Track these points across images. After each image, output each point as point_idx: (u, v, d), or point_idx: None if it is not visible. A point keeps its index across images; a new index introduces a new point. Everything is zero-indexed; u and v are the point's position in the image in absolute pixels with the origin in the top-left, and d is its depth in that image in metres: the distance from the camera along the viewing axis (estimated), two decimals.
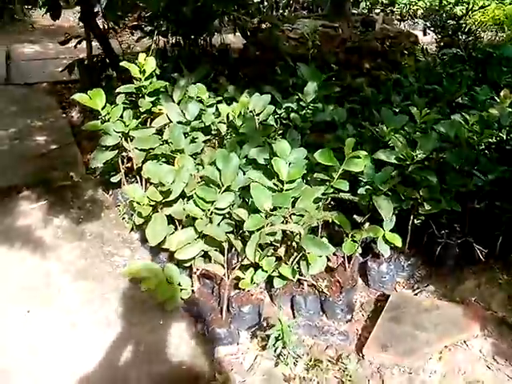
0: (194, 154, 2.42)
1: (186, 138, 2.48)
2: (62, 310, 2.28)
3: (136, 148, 2.64)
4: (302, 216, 2.19)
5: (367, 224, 2.42)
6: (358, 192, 2.16)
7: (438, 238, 2.72)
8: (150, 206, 2.08)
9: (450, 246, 2.71)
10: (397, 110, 3.00)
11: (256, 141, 2.49)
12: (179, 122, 2.58)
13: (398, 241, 2.37)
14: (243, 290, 2.28)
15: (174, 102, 2.98)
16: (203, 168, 2.35)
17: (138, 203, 2.07)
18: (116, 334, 2.17)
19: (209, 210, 2.14)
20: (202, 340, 2.19)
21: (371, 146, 2.58)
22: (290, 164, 2.23)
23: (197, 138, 2.51)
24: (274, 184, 2.18)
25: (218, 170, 2.21)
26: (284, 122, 3.05)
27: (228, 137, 2.54)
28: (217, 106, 2.68)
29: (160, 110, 2.91)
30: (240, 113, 2.52)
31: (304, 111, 2.95)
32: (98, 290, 2.41)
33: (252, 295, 2.35)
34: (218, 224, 2.19)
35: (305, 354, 2.14)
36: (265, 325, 2.36)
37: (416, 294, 2.55)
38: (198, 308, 2.29)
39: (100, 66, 4.10)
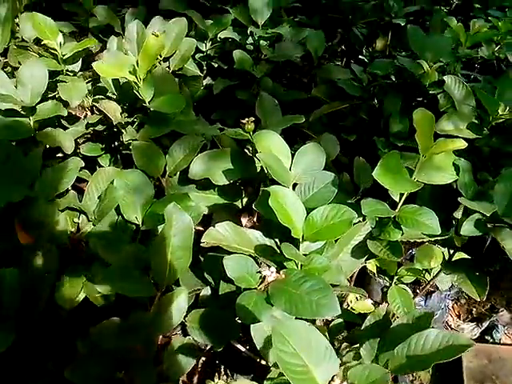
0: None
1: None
2: None
3: None
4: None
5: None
6: (462, 229, 0.99)
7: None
8: None
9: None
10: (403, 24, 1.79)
11: (189, 128, 1.15)
12: (8, 113, 1.11)
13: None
14: None
15: None
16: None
17: None
18: None
19: None
20: None
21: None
22: (295, 186, 0.98)
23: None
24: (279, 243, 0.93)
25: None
26: (215, 64, 1.71)
27: (129, 129, 1.16)
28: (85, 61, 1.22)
29: None
30: (149, 72, 1.11)
31: (252, 41, 1.61)
32: None
33: None
34: None
35: None
36: None
37: (488, 334, 1.59)
38: None
39: None
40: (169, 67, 1.59)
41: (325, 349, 0.64)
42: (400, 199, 0.99)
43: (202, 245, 0.92)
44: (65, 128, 1.29)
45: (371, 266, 1.16)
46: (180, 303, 0.89)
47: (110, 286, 0.76)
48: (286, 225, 0.87)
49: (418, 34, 1.43)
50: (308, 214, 0.91)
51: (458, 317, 1.68)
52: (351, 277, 1.29)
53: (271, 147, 0.98)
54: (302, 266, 0.94)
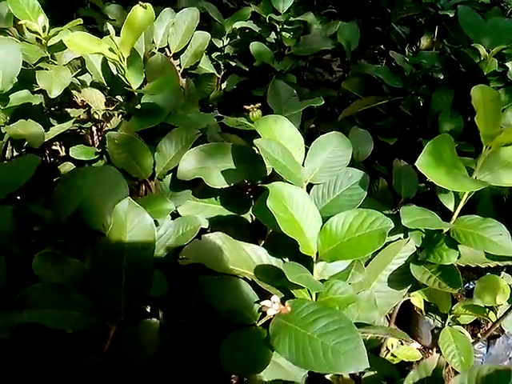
0: None
1: None
2: None
3: None
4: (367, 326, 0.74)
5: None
6: None
7: None
8: None
9: None
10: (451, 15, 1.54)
11: (183, 121, 0.94)
12: None
13: None
14: None
15: None
16: None
17: None
18: None
19: None
20: None
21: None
22: (310, 188, 0.74)
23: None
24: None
25: None
26: (233, 64, 1.51)
27: (113, 121, 0.96)
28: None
29: None
30: (132, 55, 0.91)
31: (275, 36, 1.40)
32: None
33: None
34: None
35: None
36: None
37: None
38: None
39: None
40: (180, 65, 1.42)
41: None
42: (456, 206, 0.72)
43: (179, 262, 0.68)
44: (51, 125, 1.12)
45: (417, 300, 0.88)
46: (149, 339, 0.65)
47: (28, 312, 0.53)
48: (291, 236, 0.62)
49: (471, 15, 1.17)
50: (324, 222, 0.66)
51: None
52: (391, 314, 1.01)
53: (279, 135, 0.74)
54: (317, 295, 0.68)
